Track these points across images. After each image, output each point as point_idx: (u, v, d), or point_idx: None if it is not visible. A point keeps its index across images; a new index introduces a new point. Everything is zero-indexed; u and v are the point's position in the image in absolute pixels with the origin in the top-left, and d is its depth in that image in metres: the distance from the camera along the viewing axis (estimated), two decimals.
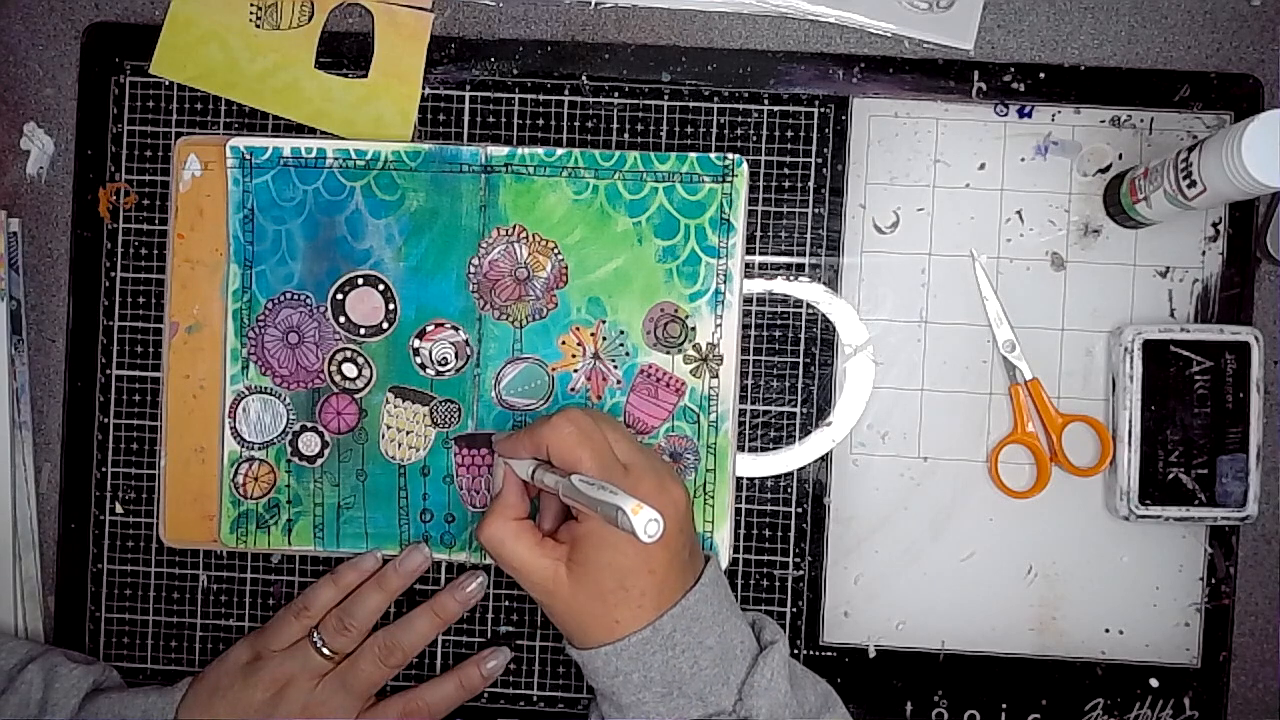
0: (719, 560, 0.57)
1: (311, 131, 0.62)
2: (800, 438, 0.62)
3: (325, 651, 0.59)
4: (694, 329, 0.61)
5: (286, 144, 0.61)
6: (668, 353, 0.61)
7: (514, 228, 0.61)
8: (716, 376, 0.61)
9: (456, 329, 0.61)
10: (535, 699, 0.63)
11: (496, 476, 0.57)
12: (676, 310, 0.61)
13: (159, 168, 0.63)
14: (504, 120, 0.62)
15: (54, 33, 0.63)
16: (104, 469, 0.63)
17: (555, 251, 0.61)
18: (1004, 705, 0.62)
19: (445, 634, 0.62)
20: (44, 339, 0.64)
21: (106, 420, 0.63)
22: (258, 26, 0.62)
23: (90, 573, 0.63)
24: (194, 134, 0.62)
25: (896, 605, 0.63)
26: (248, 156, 0.61)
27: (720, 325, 0.61)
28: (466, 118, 0.62)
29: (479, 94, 0.62)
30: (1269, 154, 0.50)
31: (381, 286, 0.61)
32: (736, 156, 0.60)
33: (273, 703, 0.58)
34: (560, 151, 0.60)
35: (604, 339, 0.61)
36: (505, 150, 0.60)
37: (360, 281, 0.61)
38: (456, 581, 0.61)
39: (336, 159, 0.61)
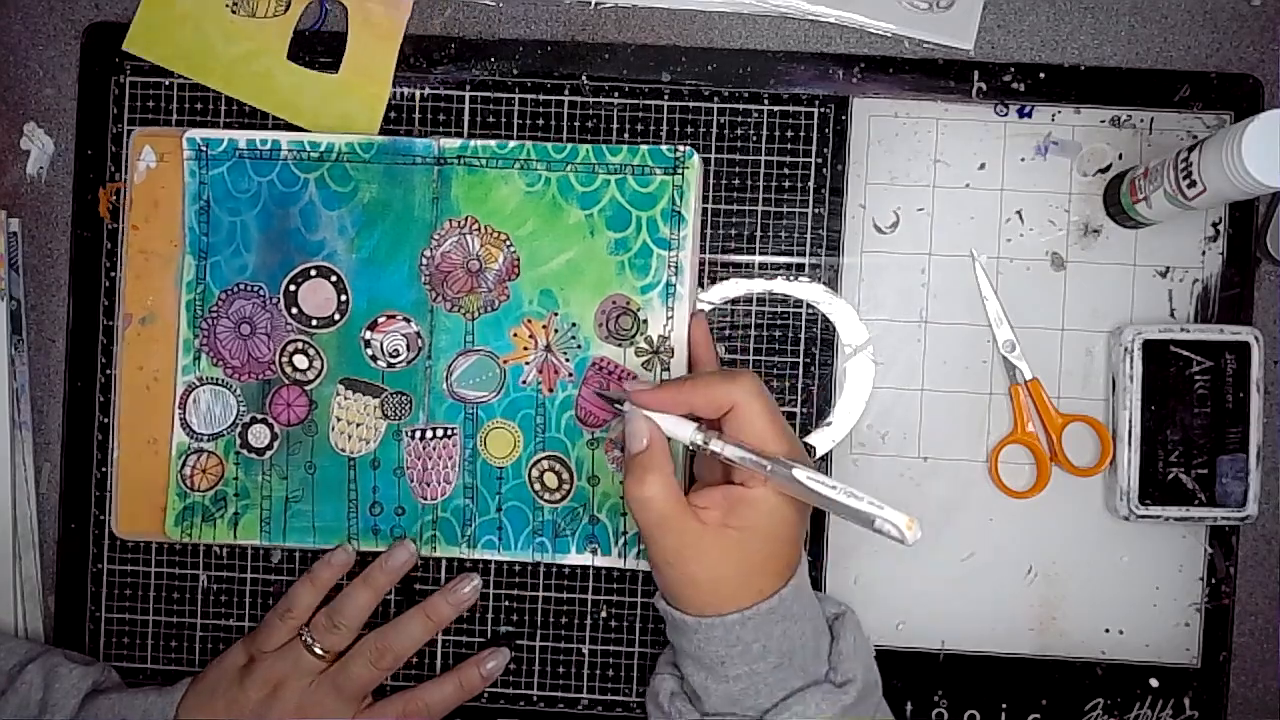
0: None
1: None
2: (800, 438, 0.62)
3: (317, 650, 0.59)
4: (645, 321, 0.60)
5: (242, 136, 0.61)
6: (619, 345, 0.61)
7: (466, 219, 0.61)
8: (668, 369, 0.60)
9: (408, 321, 0.61)
10: (535, 699, 0.63)
11: (637, 431, 0.52)
12: (628, 303, 0.60)
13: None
14: (504, 120, 0.62)
15: (54, 33, 0.63)
16: (104, 469, 0.63)
17: (507, 243, 0.61)
18: (1004, 705, 0.62)
19: (445, 633, 0.62)
20: (44, 339, 0.64)
21: (106, 420, 0.63)
22: (234, 13, 0.62)
23: (90, 573, 0.63)
24: (149, 126, 0.62)
25: (896, 605, 0.62)
26: (204, 148, 0.61)
27: (672, 318, 0.60)
28: (466, 118, 0.62)
29: (479, 94, 0.62)
30: (1269, 154, 0.50)
31: (334, 278, 0.61)
32: (688, 148, 0.60)
33: (267, 703, 0.58)
34: (512, 144, 0.60)
35: (556, 331, 0.61)
36: (458, 142, 0.60)
37: (313, 273, 0.61)
38: (450, 584, 0.61)
39: (291, 150, 0.61)
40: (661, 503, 0.50)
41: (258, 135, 0.61)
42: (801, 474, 0.49)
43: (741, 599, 0.51)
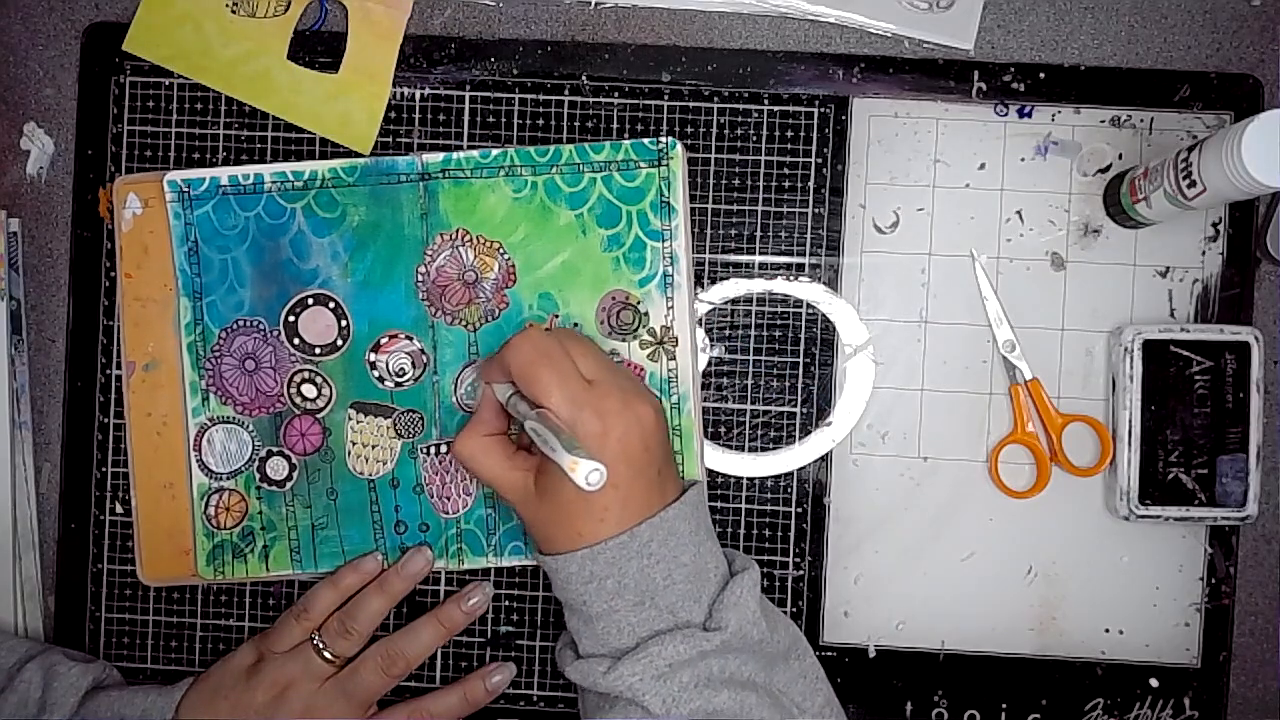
0: (704, 488, 0.58)
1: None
2: (800, 438, 0.62)
3: (327, 655, 0.59)
4: (646, 314, 0.60)
5: (224, 173, 0.60)
6: (623, 340, 0.61)
7: (457, 232, 0.60)
8: (673, 359, 0.60)
9: (411, 339, 0.61)
10: (535, 699, 0.63)
11: (479, 397, 0.58)
12: (628, 297, 0.60)
13: (159, 168, 0.63)
14: (504, 120, 0.62)
15: (54, 33, 0.63)
16: (104, 469, 0.63)
17: (501, 251, 0.60)
18: (1004, 705, 0.62)
19: None
20: (44, 339, 0.64)
21: (106, 420, 0.63)
22: (234, 13, 0.62)
23: (90, 573, 0.63)
24: (130, 174, 0.61)
25: (896, 605, 0.63)
26: (185, 189, 0.60)
27: (672, 307, 0.60)
28: (466, 118, 0.62)
29: (479, 94, 0.62)
30: (1269, 154, 0.50)
31: (332, 304, 0.61)
32: (671, 139, 0.60)
33: (273, 705, 0.58)
34: (496, 151, 0.60)
35: None
36: (440, 156, 0.60)
37: (310, 301, 0.61)
38: (462, 592, 0.61)
39: (274, 182, 0.60)
40: (479, 458, 0.55)
41: (239, 170, 0.60)
42: (530, 422, 0.51)
43: (574, 542, 0.52)
